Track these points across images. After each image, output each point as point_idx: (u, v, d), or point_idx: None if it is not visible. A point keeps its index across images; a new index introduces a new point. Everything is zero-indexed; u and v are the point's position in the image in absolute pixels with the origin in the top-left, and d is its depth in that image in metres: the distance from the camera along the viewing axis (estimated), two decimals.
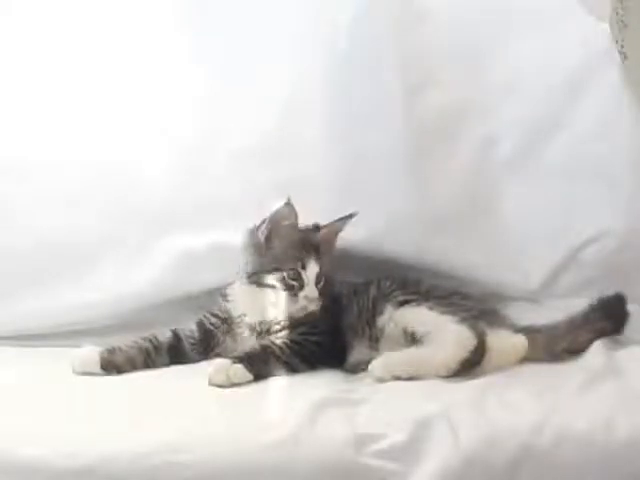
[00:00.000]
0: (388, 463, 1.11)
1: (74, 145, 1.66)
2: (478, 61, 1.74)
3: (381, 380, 1.32)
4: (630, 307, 1.50)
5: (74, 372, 1.37)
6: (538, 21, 1.74)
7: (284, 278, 1.43)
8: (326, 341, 1.42)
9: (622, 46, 1.84)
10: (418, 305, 1.40)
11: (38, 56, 1.67)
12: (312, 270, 1.44)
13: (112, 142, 1.66)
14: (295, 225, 1.45)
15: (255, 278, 1.45)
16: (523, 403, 1.20)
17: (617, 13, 1.88)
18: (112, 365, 1.38)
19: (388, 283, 1.47)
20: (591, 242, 1.68)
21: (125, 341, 1.42)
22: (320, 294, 1.44)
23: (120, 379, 1.36)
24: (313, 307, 1.44)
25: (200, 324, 1.49)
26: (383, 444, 1.12)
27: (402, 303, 1.42)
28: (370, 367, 1.34)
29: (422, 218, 1.65)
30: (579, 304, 1.54)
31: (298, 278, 1.43)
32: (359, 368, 1.39)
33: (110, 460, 1.09)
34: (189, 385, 1.32)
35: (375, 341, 1.42)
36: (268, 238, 1.45)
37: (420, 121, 1.70)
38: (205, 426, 1.15)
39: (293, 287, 1.44)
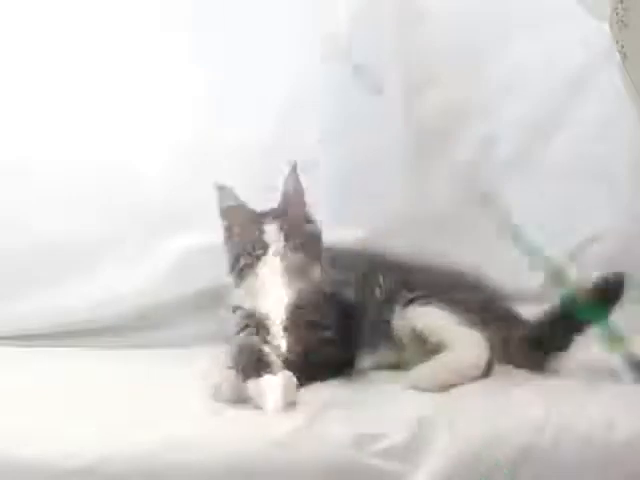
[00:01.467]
0: (388, 463, 1.11)
1: (74, 145, 1.66)
2: (478, 61, 1.74)
3: (427, 390, 1.27)
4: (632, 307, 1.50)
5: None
6: (538, 21, 1.74)
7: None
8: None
9: (622, 46, 1.84)
10: (427, 304, 1.39)
11: (38, 56, 1.67)
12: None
13: (112, 142, 1.66)
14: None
15: None
16: (523, 403, 1.20)
17: (617, 13, 1.88)
18: None
19: (392, 282, 1.45)
20: (591, 242, 1.68)
21: None
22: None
23: (119, 379, 1.36)
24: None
25: None
26: (383, 444, 1.12)
27: (410, 302, 1.40)
28: (413, 379, 1.29)
29: (422, 218, 1.65)
30: None
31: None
32: (370, 369, 1.38)
33: (110, 460, 1.09)
34: (189, 385, 1.32)
35: (387, 342, 1.41)
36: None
37: (420, 121, 1.70)
38: (205, 426, 1.15)
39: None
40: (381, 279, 1.46)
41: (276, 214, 1.39)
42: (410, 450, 1.12)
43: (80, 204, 1.63)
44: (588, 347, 1.40)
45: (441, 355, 1.33)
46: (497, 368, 1.34)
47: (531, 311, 1.57)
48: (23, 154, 1.65)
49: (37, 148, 1.65)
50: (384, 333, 1.41)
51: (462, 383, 1.28)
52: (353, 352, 1.38)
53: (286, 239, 1.36)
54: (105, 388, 1.31)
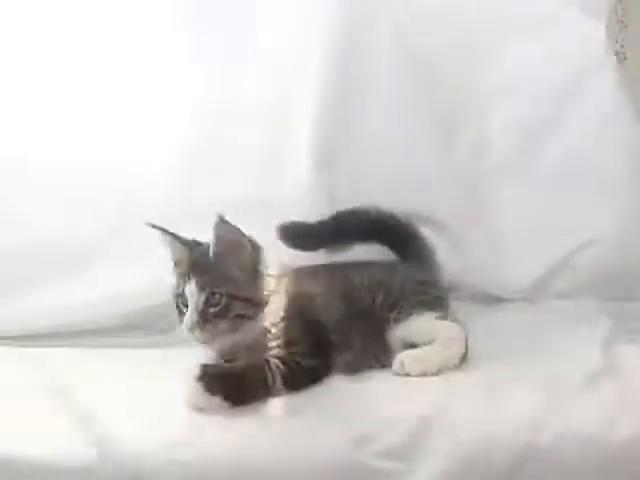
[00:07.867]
0: (388, 463, 1.11)
1: (74, 145, 1.66)
2: (476, 62, 1.74)
3: (408, 375, 1.29)
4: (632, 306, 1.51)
5: None
6: (537, 21, 1.74)
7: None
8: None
9: (622, 46, 1.84)
10: (408, 317, 1.36)
11: (38, 56, 1.67)
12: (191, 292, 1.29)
13: (112, 142, 1.66)
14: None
15: None
16: (523, 403, 1.20)
17: (617, 13, 1.88)
18: None
19: (377, 301, 1.38)
20: (587, 244, 1.69)
21: None
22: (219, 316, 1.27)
23: (119, 379, 1.36)
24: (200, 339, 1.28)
25: None
26: (383, 444, 1.12)
27: (396, 320, 1.36)
28: (399, 362, 1.30)
29: (419, 219, 1.65)
30: (574, 306, 1.55)
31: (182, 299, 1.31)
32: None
33: (110, 460, 1.09)
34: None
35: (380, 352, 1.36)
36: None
37: (418, 121, 1.70)
38: (205, 426, 1.16)
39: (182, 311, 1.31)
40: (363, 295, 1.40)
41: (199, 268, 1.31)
42: (410, 450, 1.12)
43: (78, 204, 1.63)
44: (588, 346, 1.41)
45: (426, 347, 1.33)
46: (498, 367, 1.35)
47: (524, 312, 1.59)
48: (23, 154, 1.65)
49: (37, 148, 1.65)
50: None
51: (443, 372, 1.30)
52: None
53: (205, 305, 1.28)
54: (105, 388, 1.31)
